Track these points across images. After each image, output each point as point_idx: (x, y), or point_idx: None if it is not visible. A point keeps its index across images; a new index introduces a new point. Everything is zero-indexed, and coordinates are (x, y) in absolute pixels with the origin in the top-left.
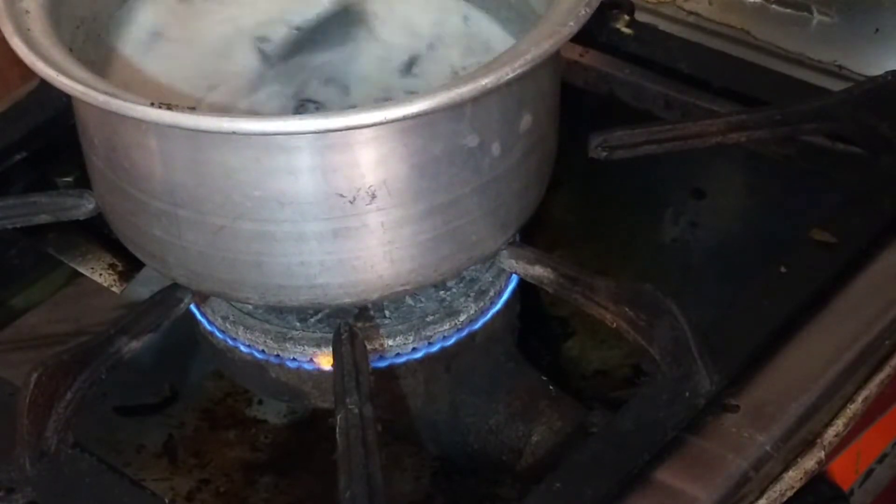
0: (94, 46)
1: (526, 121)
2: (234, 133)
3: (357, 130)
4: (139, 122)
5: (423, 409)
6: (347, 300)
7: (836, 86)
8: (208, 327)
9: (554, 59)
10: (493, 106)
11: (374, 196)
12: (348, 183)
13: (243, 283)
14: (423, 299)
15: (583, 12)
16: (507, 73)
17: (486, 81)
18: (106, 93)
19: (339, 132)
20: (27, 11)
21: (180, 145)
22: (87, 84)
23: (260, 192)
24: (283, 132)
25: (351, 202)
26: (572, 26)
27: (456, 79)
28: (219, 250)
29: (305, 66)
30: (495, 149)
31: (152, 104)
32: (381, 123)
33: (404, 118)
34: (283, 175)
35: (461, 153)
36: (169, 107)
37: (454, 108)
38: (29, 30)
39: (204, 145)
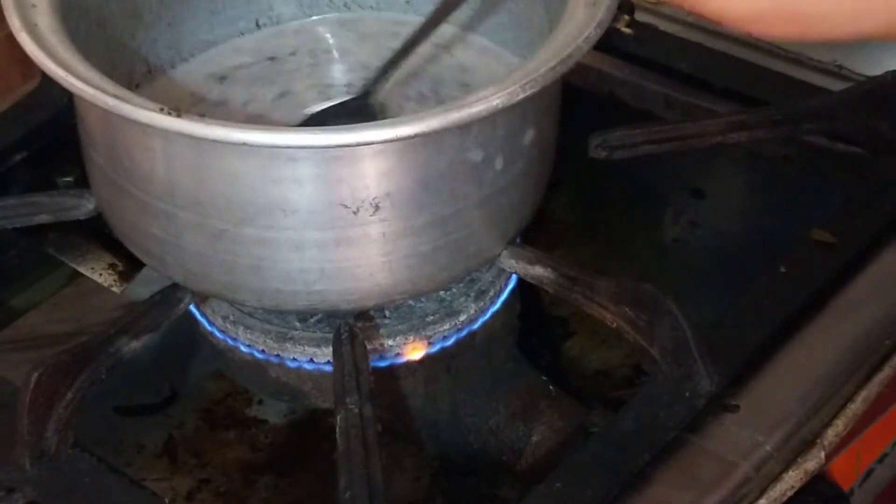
0: (97, 37)
1: (529, 135)
2: (244, 144)
3: (365, 145)
4: (144, 125)
5: (423, 409)
6: (344, 307)
7: (836, 86)
8: (208, 327)
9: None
10: (498, 122)
11: (377, 208)
12: (352, 194)
13: (241, 286)
14: (423, 299)
15: (593, 32)
16: (518, 93)
17: (498, 102)
18: (115, 96)
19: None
20: (34, 5)
21: (185, 149)
22: (95, 85)
23: (263, 200)
24: (292, 146)
25: (354, 213)
26: (582, 46)
27: (467, 98)
28: (218, 253)
29: None
30: (498, 163)
31: (161, 109)
32: (391, 140)
33: (415, 136)
34: (288, 184)
35: (465, 167)
36: (178, 113)
37: (461, 126)
38: (36, 25)
39: (209, 151)
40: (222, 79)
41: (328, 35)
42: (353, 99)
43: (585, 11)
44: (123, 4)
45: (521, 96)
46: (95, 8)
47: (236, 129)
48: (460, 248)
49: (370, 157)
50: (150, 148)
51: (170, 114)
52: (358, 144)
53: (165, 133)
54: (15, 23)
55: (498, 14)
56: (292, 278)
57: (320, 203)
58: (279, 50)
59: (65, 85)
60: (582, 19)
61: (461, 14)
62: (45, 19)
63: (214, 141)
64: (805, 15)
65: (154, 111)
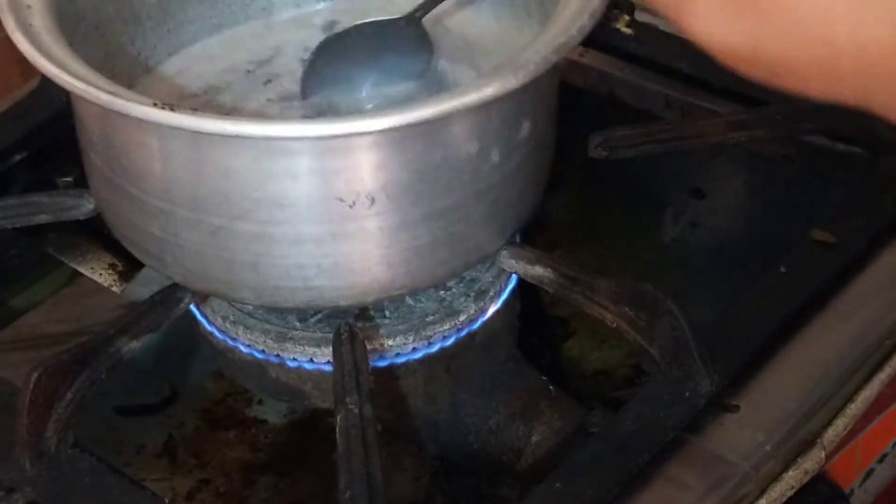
0: (95, 41)
1: (525, 127)
2: (237, 136)
3: (358, 136)
4: (140, 121)
5: (423, 409)
6: (343, 302)
7: None
8: (208, 327)
9: (555, 67)
10: (493, 113)
11: (373, 201)
12: (348, 187)
13: (240, 283)
14: (423, 299)
15: (587, 22)
16: (511, 82)
17: (490, 91)
18: (109, 92)
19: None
20: (29, 6)
21: (180, 145)
22: (89, 82)
23: (259, 194)
24: (285, 137)
25: (350, 206)
26: (575, 36)
27: (459, 88)
28: (216, 250)
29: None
30: (494, 155)
31: (155, 104)
32: (383, 131)
33: (408, 126)
34: (283, 178)
35: (461, 159)
36: (172, 108)
37: (456, 116)
38: (31, 25)
39: (204, 146)
40: (222, 76)
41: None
42: (397, 19)
43: (579, 3)
44: (121, 10)
45: (514, 85)
46: (92, 12)
47: (229, 121)
48: (458, 243)
49: (364, 149)
50: (147, 145)
51: (163, 108)
52: (350, 135)
53: (160, 128)
54: (9, 23)
55: (498, 6)
56: (290, 274)
57: (316, 197)
58: (278, 47)
59: (59, 82)
60: (575, 10)
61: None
62: (39, 20)
63: (208, 134)
64: (776, 63)
65: (147, 105)
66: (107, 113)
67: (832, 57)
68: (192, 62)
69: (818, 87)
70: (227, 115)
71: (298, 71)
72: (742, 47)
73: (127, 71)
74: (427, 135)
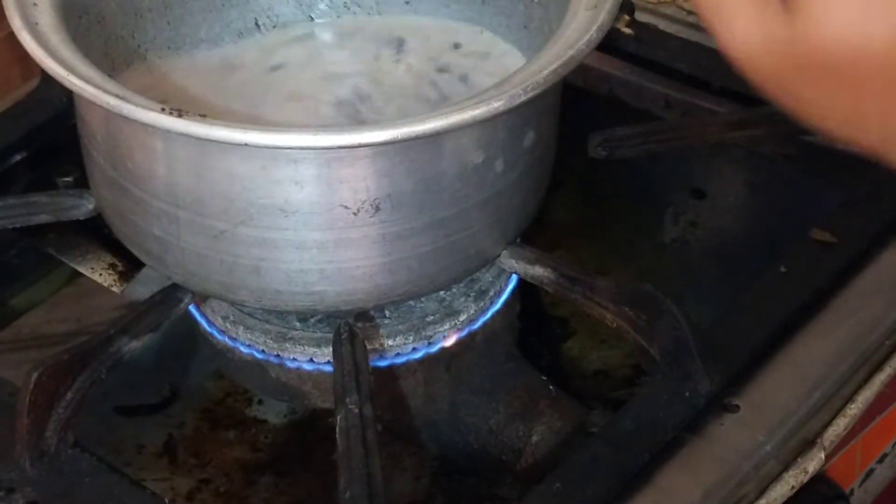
0: (96, 34)
1: (530, 137)
2: (245, 145)
3: (365, 146)
4: (146, 125)
5: (423, 409)
6: (344, 307)
7: None
8: (208, 327)
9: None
10: (499, 124)
11: (377, 209)
12: (353, 195)
13: (241, 286)
14: (423, 299)
15: (595, 35)
16: (520, 95)
17: (499, 104)
18: (117, 96)
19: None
20: (35, 3)
21: (186, 149)
22: (97, 85)
23: (264, 200)
24: (293, 146)
25: (354, 214)
26: (584, 49)
27: (468, 100)
28: (218, 253)
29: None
30: (499, 165)
31: (163, 110)
32: (392, 142)
33: (416, 138)
34: (289, 185)
35: (466, 169)
36: (180, 114)
37: (463, 127)
38: (37, 24)
39: (210, 151)
40: (221, 76)
41: (327, 35)
42: None
43: (586, 14)
44: (123, 2)
45: (523, 98)
46: (95, 5)
47: (238, 129)
48: (460, 250)
49: (371, 159)
50: (152, 148)
51: (171, 114)
52: (359, 146)
53: (167, 133)
54: (16, 21)
55: (500, 16)
56: (292, 279)
57: (321, 204)
58: (277, 49)
59: (66, 84)
60: (583, 22)
61: (466, 12)
62: (46, 18)
63: (216, 141)
64: (806, 101)
65: (155, 111)
66: (112, 114)
67: (856, 93)
68: (191, 56)
69: (844, 132)
70: (229, 112)
71: (297, 64)
72: (771, 56)
73: (125, 63)
74: (433, 145)
